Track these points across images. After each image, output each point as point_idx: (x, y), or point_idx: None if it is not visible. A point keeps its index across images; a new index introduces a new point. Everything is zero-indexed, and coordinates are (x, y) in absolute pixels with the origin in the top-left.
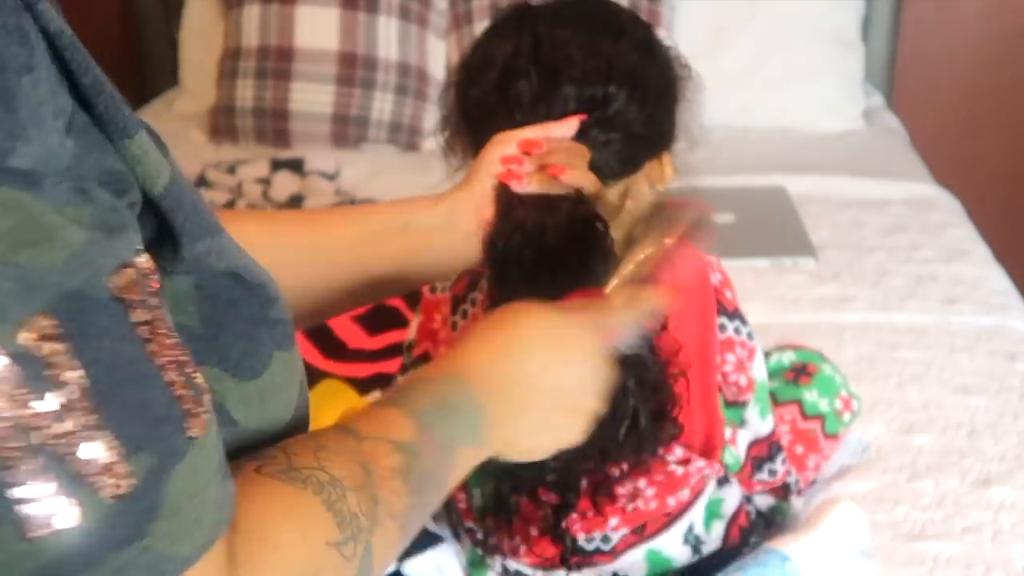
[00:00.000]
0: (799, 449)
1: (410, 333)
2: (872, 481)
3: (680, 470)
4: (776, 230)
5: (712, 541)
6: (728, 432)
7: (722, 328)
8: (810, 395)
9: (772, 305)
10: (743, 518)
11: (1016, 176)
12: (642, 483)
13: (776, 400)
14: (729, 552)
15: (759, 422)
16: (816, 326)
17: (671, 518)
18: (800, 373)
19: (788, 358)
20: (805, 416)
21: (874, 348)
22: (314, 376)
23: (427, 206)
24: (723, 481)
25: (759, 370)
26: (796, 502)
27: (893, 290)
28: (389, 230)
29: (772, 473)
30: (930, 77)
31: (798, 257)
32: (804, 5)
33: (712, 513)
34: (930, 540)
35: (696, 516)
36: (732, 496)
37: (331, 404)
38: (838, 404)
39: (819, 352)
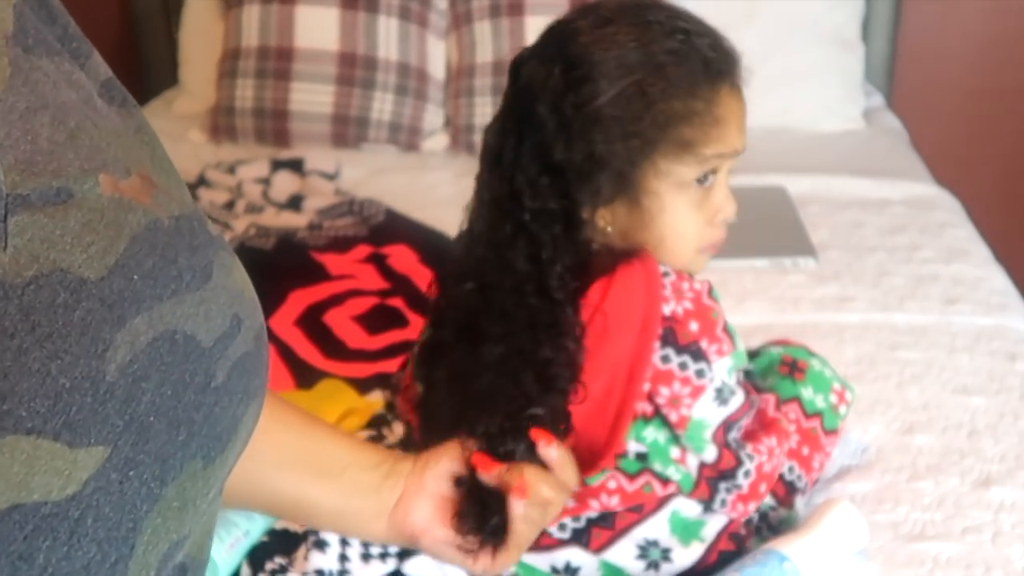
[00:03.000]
0: (805, 450)
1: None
2: (872, 481)
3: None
4: (776, 230)
5: (685, 557)
6: (677, 452)
7: (665, 359)
8: (806, 392)
9: (772, 305)
10: (724, 542)
11: (1016, 176)
12: None
13: (778, 396)
14: (706, 568)
15: (695, 452)
16: (816, 326)
17: (618, 532)
18: (792, 369)
19: (777, 351)
20: (807, 415)
21: (874, 348)
22: (314, 376)
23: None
24: (708, 508)
25: (701, 410)
26: (798, 503)
27: (893, 290)
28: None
29: (737, 487)
30: (930, 77)
31: (798, 257)
32: (804, 5)
33: (691, 534)
34: (930, 541)
35: (657, 533)
36: (715, 522)
37: (331, 404)
38: (833, 399)
39: (804, 347)
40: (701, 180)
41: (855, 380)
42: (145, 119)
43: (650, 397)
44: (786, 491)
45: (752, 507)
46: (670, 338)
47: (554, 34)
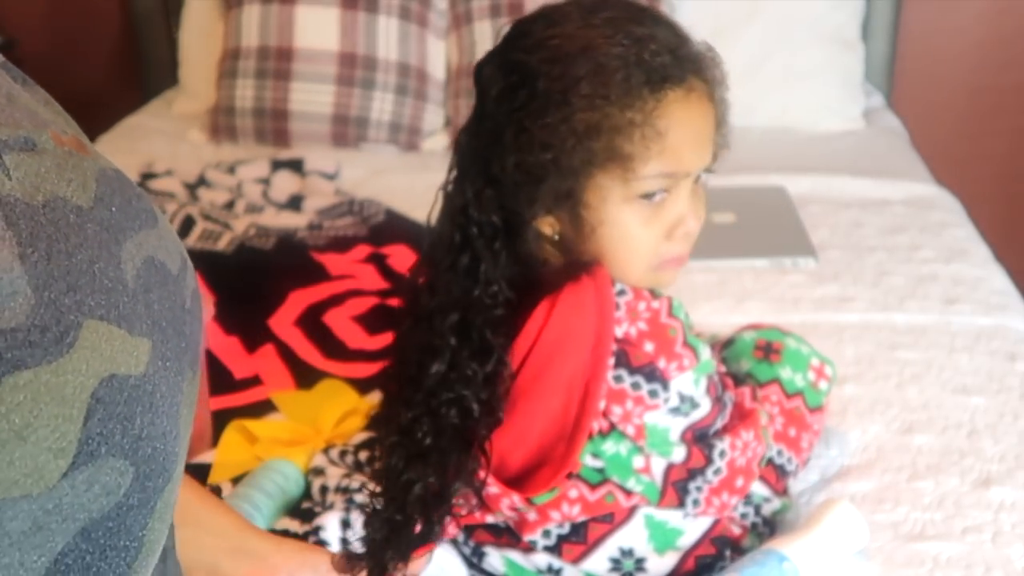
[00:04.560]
0: (792, 432)
1: None
2: (872, 481)
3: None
4: (776, 230)
5: (660, 566)
6: (641, 461)
7: (618, 379)
8: (785, 372)
9: (772, 305)
10: (704, 547)
11: (1016, 176)
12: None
13: (757, 380)
14: (685, 574)
15: (662, 456)
16: (816, 326)
17: (591, 545)
18: (768, 351)
19: (750, 336)
20: (788, 395)
21: (874, 348)
22: (314, 376)
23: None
24: (685, 512)
25: (654, 417)
26: (792, 488)
27: (893, 290)
28: None
29: (708, 483)
30: (930, 77)
31: (798, 257)
32: (804, 5)
33: (668, 543)
34: (930, 540)
35: (633, 542)
36: (695, 529)
37: (331, 404)
38: (811, 376)
39: (777, 328)
40: (648, 196)
41: (855, 380)
42: (49, 96)
43: (604, 414)
44: (777, 476)
45: (728, 499)
46: (623, 359)
47: (507, 37)
